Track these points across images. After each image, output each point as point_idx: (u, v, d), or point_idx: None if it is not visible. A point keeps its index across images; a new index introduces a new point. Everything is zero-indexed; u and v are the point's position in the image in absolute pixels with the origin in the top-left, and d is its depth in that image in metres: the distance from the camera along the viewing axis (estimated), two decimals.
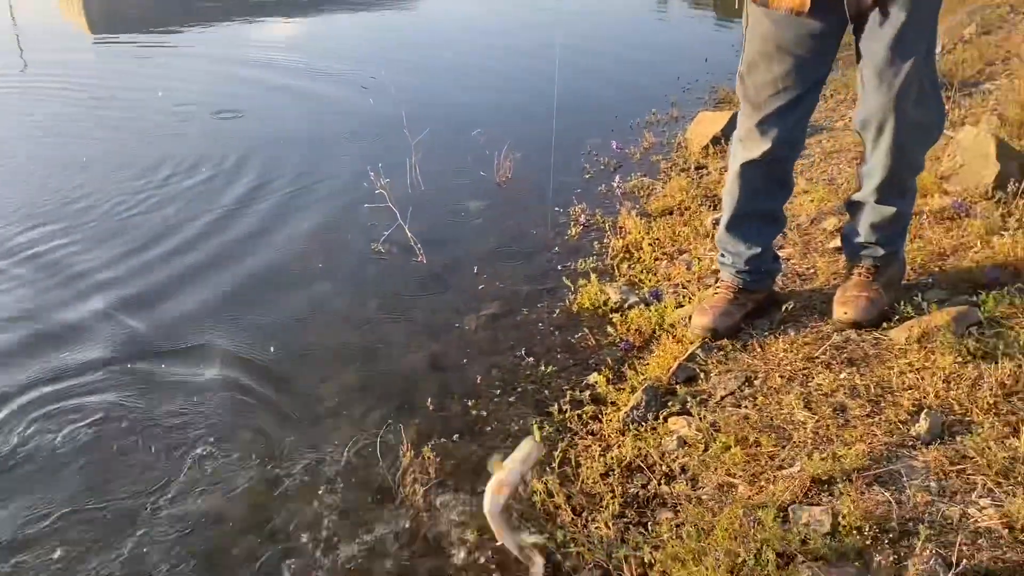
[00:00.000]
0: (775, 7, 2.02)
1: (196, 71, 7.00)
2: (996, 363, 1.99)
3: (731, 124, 4.25)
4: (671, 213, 3.61)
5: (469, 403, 2.40)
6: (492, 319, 2.88)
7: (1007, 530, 1.55)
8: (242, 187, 4.22)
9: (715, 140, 4.27)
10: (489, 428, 2.29)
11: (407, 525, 1.97)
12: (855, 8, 1.99)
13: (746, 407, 2.11)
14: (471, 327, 2.85)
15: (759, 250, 2.41)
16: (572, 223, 3.61)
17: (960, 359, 2.04)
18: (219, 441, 2.31)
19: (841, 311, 2.30)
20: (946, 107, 4.02)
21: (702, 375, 2.30)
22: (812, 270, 2.75)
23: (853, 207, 2.32)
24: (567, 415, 2.25)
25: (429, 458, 2.11)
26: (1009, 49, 4.57)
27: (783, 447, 1.92)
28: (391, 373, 2.61)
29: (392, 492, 2.08)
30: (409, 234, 3.39)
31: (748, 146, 2.24)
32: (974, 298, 2.29)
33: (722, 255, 2.49)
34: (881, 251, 2.31)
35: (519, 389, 2.45)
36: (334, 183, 4.24)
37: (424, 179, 4.10)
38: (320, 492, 2.10)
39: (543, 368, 2.53)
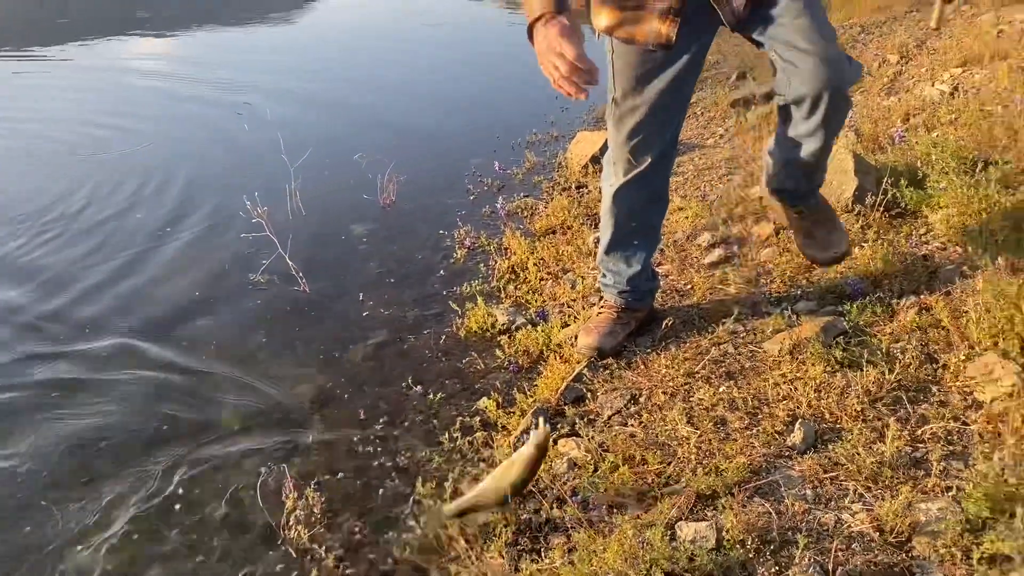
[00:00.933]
0: (641, 42, 2.02)
1: (56, 97, 6.65)
2: (861, 371, 2.09)
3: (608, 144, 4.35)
4: (554, 232, 3.65)
5: (355, 438, 2.35)
6: (378, 348, 2.84)
7: (878, 533, 1.63)
8: (109, 222, 4.03)
9: (594, 159, 4.35)
10: (376, 463, 2.24)
11: (291, 569, 1.91)
12: (732, 18, 2.00)
13: (632, 425, 2.15)
14: (356, 357, 2.80)
15: (639, 268, 2.45)
16: (457, 246, 3.61)
17: (829, 368, 2.14)
18: (92, 487, 2.18)
19: (830, 252, 2.36)
20: None
21: (589, 395, 2.33)
22: (689, 286, 2.83)
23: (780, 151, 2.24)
24: (457, 443, 2.24)
25: (313, 498, 2.05)
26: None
27: (669, 464, 1.96)
28: (273, 409, 2.53)
29: (275, 534, 2.00)
30: (290, 263, 3.30)
31: (622, 168, 2.27)
32: (840, 308, 2.41)
33: (603, 275, 2.53)
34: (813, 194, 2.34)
35: (406, 421, 2.42)
36: (210, 214, 4.08)
37: (305, 205, 4.01)
38: (199, 537, 2.01)
39: (431, 396, 2.51)
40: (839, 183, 2.99)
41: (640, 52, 2.06)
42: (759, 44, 2.11)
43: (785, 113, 2.09)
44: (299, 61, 8.10)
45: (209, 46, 9.49)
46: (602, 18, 2.03)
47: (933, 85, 4.08)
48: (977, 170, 2.90)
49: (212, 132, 5.53)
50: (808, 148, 2.09)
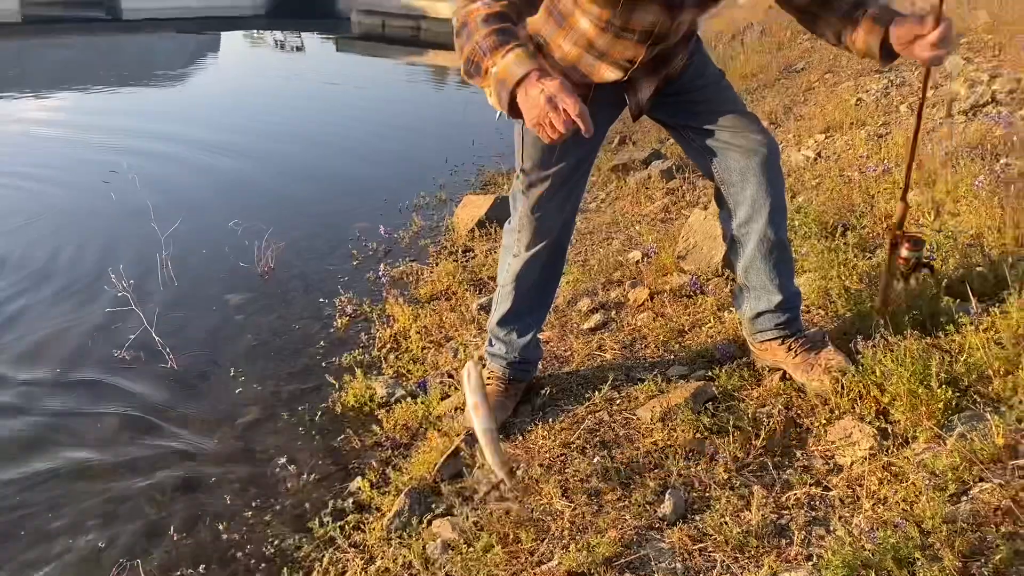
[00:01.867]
0: None
1: None
2: (729, 436, 2.12)
3: (495, 207, 4.38)
4: (439, 298, 3.63)
5: (220, 527, 2.22)
6: (249, 427, 2.73)
7: None
8: None
9: (480, 223, 4.37)
10: (241, 554, 2.13)
11: None
12: (636, 108, 2.07)
13: (508, 501, 2.11)
14: (226, 438, 2.67)
15: (530, 339, 2.44)
16: (338, 314, 3.53)
17: (699, 435, 2.16)
18: None
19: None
20: (683, 188, 4.38)
21: (466, 470, 2.28)
22: (569, 352, 2.84)
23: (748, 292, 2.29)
24: (328, 528, 2.15)
25: None
26: None
27: (542, 540, 1.93)
28: (134, 498, 2.38)
29: None
30: (156, 337, 3.16)
31: (526, 239, 2.26)
32: (710, 373, 2.46)
33: (491, 344, 2.48)
34: (797, 321, 2.33)
35: (277, 505, 2.31)
36: (72, 288, 3.86)
37: (178, 275, 3.87)
38: None
39: (304, 477, 2.41)
40: (708, 248, 3.08)
41: None
42: (669, 127, 2.20)
43: (727, 214, 2.19)
44: (178, 124, 7.84)
45: (85, 107, 9.15)
46: None
47: (799, 150, 4.29)
48: (837, 235, 3.03)
49: (80, 200, 5.28)
50: (761, 227, 2.14)
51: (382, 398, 2.79)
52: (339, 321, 3.47)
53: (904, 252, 2.15)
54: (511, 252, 2.31)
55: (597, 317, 3.04)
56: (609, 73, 1.97)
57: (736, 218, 2.16)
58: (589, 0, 1.85)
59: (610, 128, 2.23)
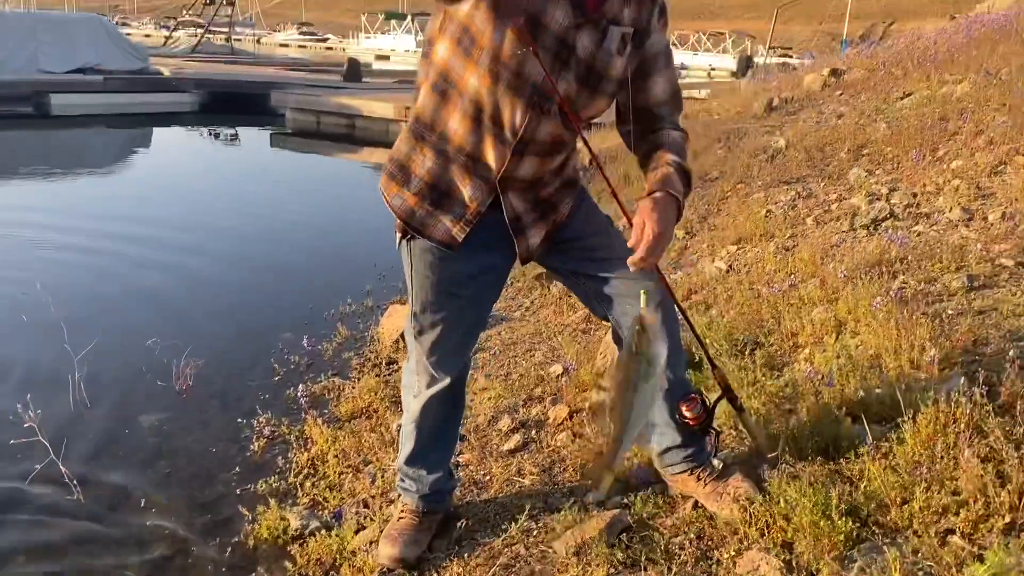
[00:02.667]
0: (428, 236, 2.05)
1: None
2: (643, 571, 2.13)
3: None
4: (360, 416, 3.60)
5: None
6: (157, 566, 2.63)
7: None
8: None
9: (404, 334, 4.38)
10: None
11: None
12: (525, 252, 2.10)
13: None
14: None
15: (440, 473, 2.43)
16: (256, 436, 3.47)
17: (613, 570, 2.16)
18: None
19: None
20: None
21: None
22: (488, 476, 2.84)
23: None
24: None
25: None
26: None
27: None
28: None
29: None
30: (63, 469, 3.05)
31: (425, 381, 2.27)
32: (626, 500, 2.47)
33: (402, 480, 2.47)
34: (703, 452, 2.34)
35: None
36: None
37: (91, 397, 3.76)
38: None
39: None
40: None
41: (442, 267, 2.10)
42: (561, 274, 2.25)
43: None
44: (100, 222, 7.69)
45: (3, 204, 8.96)
46: (399, 200, 2.05)
47: (713, 262, 4.45)
48: (746, 352, 3.13)
49: None
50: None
51: (296, 530, 2.72)
52: (256, 444, 3.40)
53: (687, 414, 2.21)
54: (411, 392, 2.32)
55: (517, 438, 3.05)
56: (475, 190, 2.00)
57: None
58: (473, 68, 1.88)
59: (507, 276, 2.28)
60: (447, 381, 2.26)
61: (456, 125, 1.96)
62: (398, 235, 2.13)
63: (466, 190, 2.01)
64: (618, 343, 2.33)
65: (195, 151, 15.36)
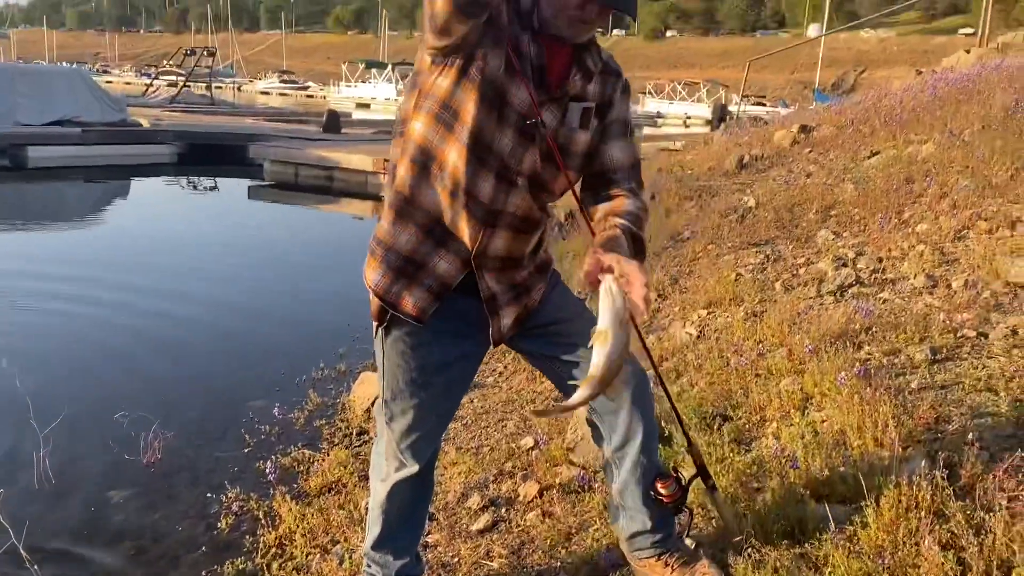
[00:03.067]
0: (398, 309, 2.05)
1: None
2: None
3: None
4: (330, 491, 3.57)
5: None
6: None
7: None
8: None
9: (376, 402, 4.36)
10: None
11: None
12: (497, 333, 2.11)
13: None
14: None
15: (408, 558, 2.40)
16: (224, 512, 3.43)
17: None
18: None
19: None
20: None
21: None
22: (456, 558, 2.81)
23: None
24: None
25: None
26: None
27: None
28: None
29: None
30: (24, 554, 2.99)
31: (394, 465, 2.25)
32: None
33: (368, 566, 2.44)
34: (671, 537, 2.32)
35: None
36: None
37: (56, 473, 3.71)
38: None
39: None
40: (587, 441, 3.14)
41: (414, 355, 2.10)
42: (534, 358, 2.26)
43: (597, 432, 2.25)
44: (73, 283, 7.59)
45: None
46: (376, 274, 2.06)
47: (684, 327, 4.48)
48: (715, 426, 3.15)
49: None
50: (635, 453, 2.19)
51: None
52: (224, 521, 3.36)
53: (663, 491, 2.22)
54: (379, 476, 2.31)
55: (487, 517, 3.03)
56: (450, 264, 2.02)
57: (610, 444, 2.23)
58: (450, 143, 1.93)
59: (480, 362, 2.28)
60: (416, 468, 2.25)
61: (435, 198, 2.00)
62: (374, 323, 2.15)
63: (441, 263, 2.04)
64: (591, 426, 2.34)
65: (172, 204, 15.36)
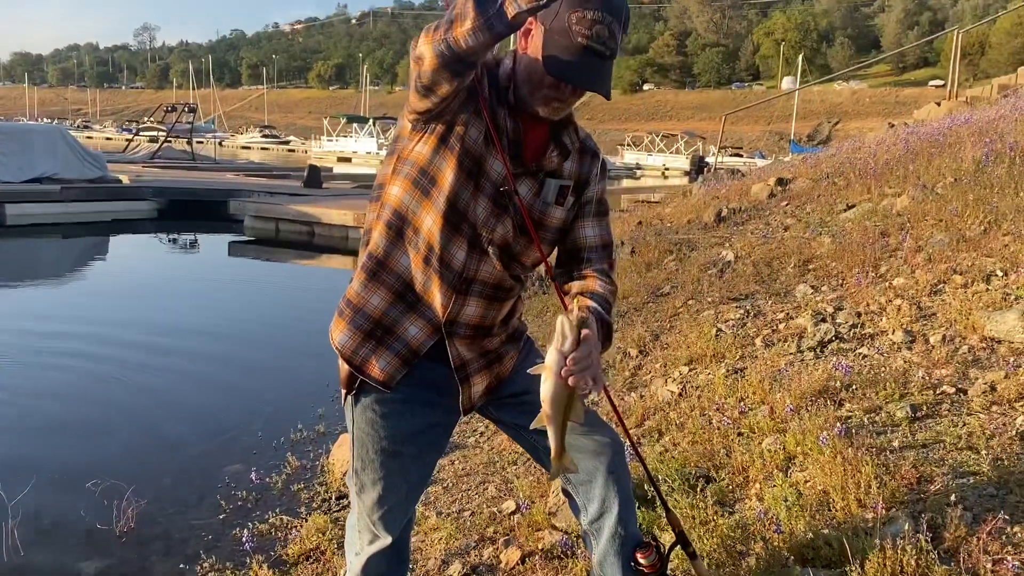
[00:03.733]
0: (367, 374, 2.02)
1: None
2: None
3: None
4: (308, 559, 3.48)
5: None
6: None
7: None
8: None
9: None
10: None
11: None
12: (468, 401, 2.08)
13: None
14: None
15: None
16: None
17: None
18: None
19: None
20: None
21: None
22: None
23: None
24: None
25: None
26: (605, 358, 5.30)
27: None
28: None
29: None
30: None
31: (367, 538, 2.20)
32: None
33: None
34: None
35: None
36: None
37: (26, 545, 3.60)
38: None
39: None
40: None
41: (384, 424, 2.07)
42: (506, 426, 2.23)
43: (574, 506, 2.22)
44: (49, 339, 7.53)
45: None
46: (343, 336, 2.03)
47: (666, 384, 4.47)
48: (698, 488, 3.12)
49: None
50: (612, 524, 2.14)
51: None
52: None
53: (643, 561, 2.18)
54: (353, 550, 2.26)
55: None
56: (420, 330, 2.00)
57: (587, 515, 2.20)
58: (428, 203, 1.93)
59: (451, 431, 2.25)
60: (389, 540, 2.20)
61: (408, 263, 2.00)
62: (343, 390, 2.12)
63: (411, 328, 2.02)
64: (567, 496, 2.30)
65: (150, 260, 15.28)
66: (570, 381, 1.73)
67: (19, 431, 5.26)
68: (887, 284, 5.06)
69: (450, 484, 4.03)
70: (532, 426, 1.87)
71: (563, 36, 1.83)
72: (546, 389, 1.78)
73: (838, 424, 3.16)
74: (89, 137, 66.99)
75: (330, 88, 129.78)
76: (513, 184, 1.96)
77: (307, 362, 7.08)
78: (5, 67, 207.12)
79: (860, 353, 4.15)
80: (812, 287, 5.47)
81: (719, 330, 4.99)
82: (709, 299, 5.78)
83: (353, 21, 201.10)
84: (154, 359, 7.07)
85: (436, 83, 1.82)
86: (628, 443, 2.42)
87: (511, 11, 1.66)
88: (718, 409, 3.86)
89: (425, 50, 1.77)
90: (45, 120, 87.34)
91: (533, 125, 1.99)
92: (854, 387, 3.63)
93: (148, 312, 9.31)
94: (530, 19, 1.90)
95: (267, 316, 9.58)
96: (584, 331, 1.75)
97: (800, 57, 79.88)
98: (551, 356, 1.76)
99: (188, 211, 18.86)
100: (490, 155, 1.95)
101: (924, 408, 3.34)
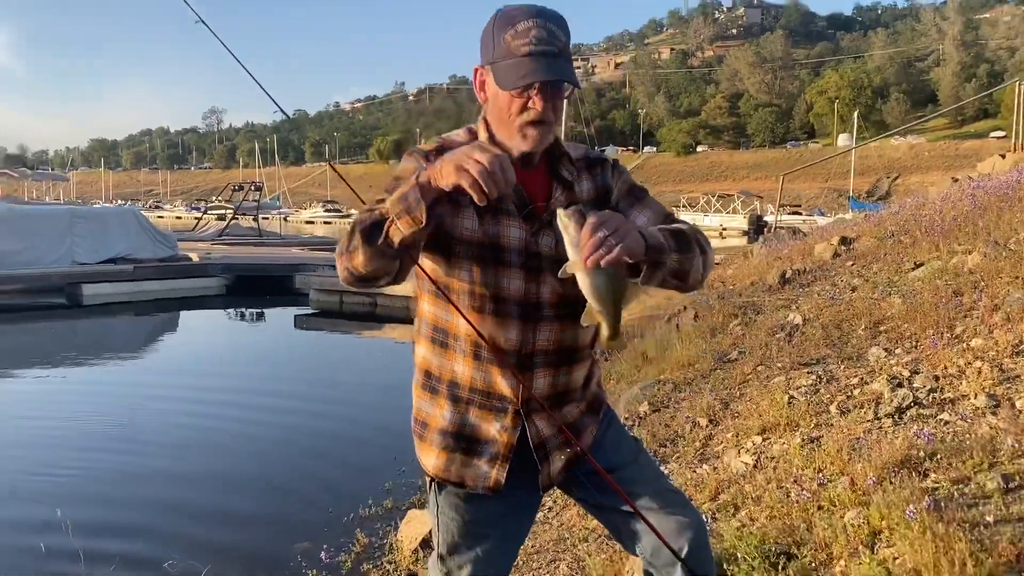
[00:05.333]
0: (470, 487, 2.02)
1: None
2: None
3: None
4: None
5: None
6: None
7: None
8: None
9: (424, 543, 4.26)
10: None
11: None
12: (547, 478, 2.05)
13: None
14: None
15: None
16: None
17: None
18: None
19: None
20: None
21: None
22: None
23: None
24: None
25: None
26: (675, 429, 5.20)
27: None
28: None
29: None
30: None
31: None
32: None
33: None
34: None
35: None
36: None
37: None
38: None
39: None
40: None
41: (469, 508, 2.05)
42: (589, 506, 2.19)
43: None
44: (120, 418, 7.72)
45: (24, 391, 9.05)
46: (431, 458, 2.03)
47: (739, 455, 4.35)
48: (780, 566, 3.00)
49: None
50: None
51: None
52: None
53: None
54: None
55: None
56: (501, 424, 1.97)
57: None
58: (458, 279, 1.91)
59: (537, 508, 2.22)
60: None
61: (461, 368, 1.98)
62: (427, 477, 2.10)
63: (492, 427, 1.99)
64: None
65: (219, 335, 15.68)
66: (602, 263, 1.65)
67: (97, 505, 5.38)
68: (964, 345, 4.89)
69: (519, 563, 3.95)
70: (583, 322, 1.81)
71: (507, 57, 1.80)
72: (582, 284, 1.73)
73: (925, 497, 3.03)
74: (160, 217, 69.64)
75: (389, 162, 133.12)
76: (534, 244, 1.91)
77: (373, 435, 7.12)
78: (84, 153, 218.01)
79: (941, 419, 3.99)
80: (885, 350, 5.32)
81: (791, 397, 4.86)
82: (779, 364, 5.66)
83: (410, 98, 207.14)
84: (222, 435, 7.20)
85: (377, 279, 1.82)
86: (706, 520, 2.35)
87: (396, 238, 1.71)
88: (795, 481, 3.74)
89: (340, 271, 1.82)
90: (119, 202, 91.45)
91: (528, 173, 1.91)
92: (938, 456, 3.48)
93: (215, 387, 9.50)
94: (478, 69, 1.90)
95: (333, 389, 9.68)
96: (582, 216, 1.69)
97: (855, 114, 79.34)
98: (569, 253, 1.72)
99: (255, 286, 19.39)
100: (500, 228, 1.90)
101: (1017, 478, 3.18)
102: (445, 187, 1.67)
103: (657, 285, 1.86)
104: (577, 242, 1.68)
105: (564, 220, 1.72)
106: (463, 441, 2.00)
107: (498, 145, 1.88)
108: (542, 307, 1.95)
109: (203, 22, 2.45)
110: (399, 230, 1.70)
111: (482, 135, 1.93)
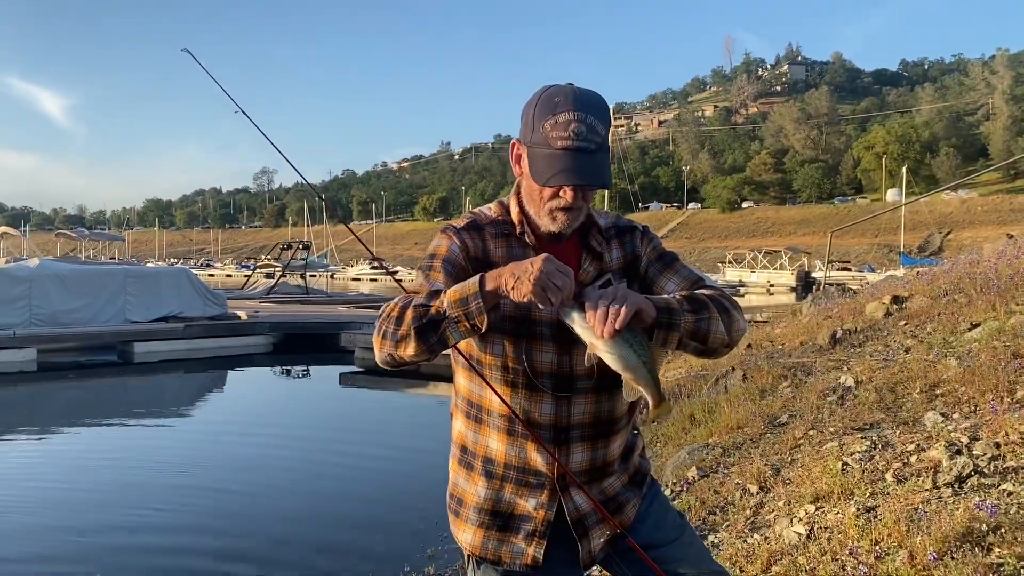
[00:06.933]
0: (507, 563, 1.97)
1: None
2: None
3: None
4: None
5: None
6: None
7: None
8: None
9: None
10: None
11: None
12: (588, 555, 2.00)
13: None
14: None
15: None
16: None
17: None
18: None
19: None
20: None
21: None
22: None
23: None
24: None
25: None
26: (724, 495, 5.06)
27: None
28: None
29: None
30: None
31: None
32: None
33: None
34: None
35: None
36: None
37: None
38: None
39: None
40: None
41: None
42: None
43: None
44: (156, 494, 7.70)
45: (75, 449, 9.18)
46: (467, 535, 2.00)
47: (791, 524, 4.21)
48: None
49: None
50: None
51: None
52: None
53: None
54: None
55: None
56: (536, 500, 1.94)
57: None
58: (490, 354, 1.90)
59: None
60: None
61: (495, 444, 1.96)
62: (465, 553, 2.06)
63: (528, 503, 1.96)
64: None
65: (265, 393, 15.82)
66: (616, 327, 1.66)
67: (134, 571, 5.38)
68: None
69: None
70: (626, 397, 1.80)
71: (544, 146, 1.80)
72: (608, 359, 1.73)
73: (990, 574, 2.89)
74: (211, 275, 71.25)
75: (435, 220, 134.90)
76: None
77: (415, 499, 7.05)
78: (139, 213, 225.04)
79: (1004, 489, 3.82)
80: (942, 415, 5.14)
81: (845, 464, 4.71)
82: (831, 429, 5.50)
83: (456, 156, 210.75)
84: (261, 497, 7.19)
85: (411, 362, 1.80)
86: None
87: (452, 340, 1.73)
88: (851, 553, 3.59)
89: (377, 353, 1.82)
90: (172, 260, 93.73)
91: (558, 247, 1.92)
92: (1002, 530, 3.32)
93: (254, 448, 9.54)
94: (516, 143, 1.91)
95: (376, 448, 9.65)
96: (580, 302, 1.71)
97: (904, 169, 78.50)
98: (585, 338, 1.73)
99: (301, 344, 19.60)
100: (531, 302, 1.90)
101: None
102: (517, 299, 1.68)
103: (677, 348, 1.84)
104: (585, 323, 1.70)
105: (564, 314, 1.74)
106: (499, 518, 1.97)
107: (528, 220, 1.93)
108: (576, 379, 1.93)
109: (243, 112, 2.51)
110: (456, 332, 1.71)
111: (514, 210, 1.96)
